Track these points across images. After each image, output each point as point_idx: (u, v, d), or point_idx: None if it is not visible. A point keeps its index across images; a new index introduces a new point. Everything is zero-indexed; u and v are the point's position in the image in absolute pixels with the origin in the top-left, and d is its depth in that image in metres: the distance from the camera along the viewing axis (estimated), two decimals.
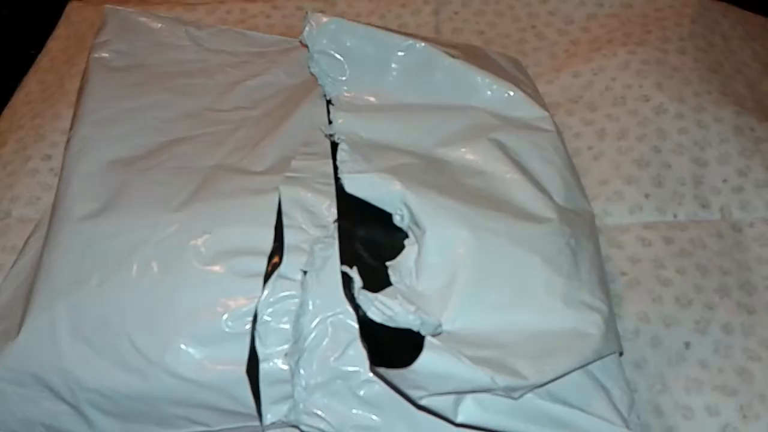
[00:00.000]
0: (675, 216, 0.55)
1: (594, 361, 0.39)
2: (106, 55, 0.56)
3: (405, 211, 0.42)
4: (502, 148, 0.48)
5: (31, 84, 0.68)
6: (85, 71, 0.56)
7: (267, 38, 0.61)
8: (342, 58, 0.51)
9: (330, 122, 0.49)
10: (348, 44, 0.51)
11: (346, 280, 0.39)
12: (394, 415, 0.40)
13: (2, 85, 0.71)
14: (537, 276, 0.41)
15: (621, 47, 0.64)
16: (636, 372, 0.46)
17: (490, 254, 0.41)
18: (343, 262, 0.40)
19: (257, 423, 0.41)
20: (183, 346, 0.40)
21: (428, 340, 0.35)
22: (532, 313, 0.39)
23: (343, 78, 0.51)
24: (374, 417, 0.40)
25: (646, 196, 0.55)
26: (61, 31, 0.73)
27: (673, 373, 0.46)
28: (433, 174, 0.45)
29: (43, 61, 0.70)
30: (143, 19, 0.59)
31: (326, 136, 0.48)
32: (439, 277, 0.39)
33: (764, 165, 0.56)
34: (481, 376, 0.34)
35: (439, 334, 0.36)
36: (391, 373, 0.35)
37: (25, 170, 0.60)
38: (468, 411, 0.36)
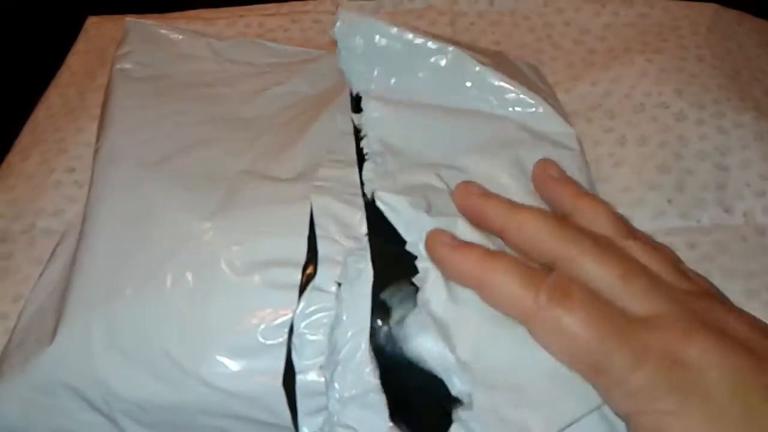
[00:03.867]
0: (698, 221, 0.55)
1: None
2: (129, 66, 0.56)
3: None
4: (523, 166, 0.47)
5: (52, 98, 0.69)
6: (108, 83, 0.56)
7: (287, 49, 0.61)
8: (371, 57, 0.50)
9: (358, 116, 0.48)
10: (378, 43, 0.50)
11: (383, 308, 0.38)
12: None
13: (23, 102, 0.71)
14: None
15: (638, 55, 0.65)
16: None
17: None
18: (376, 279, 0.39)
19: None
20: (219, 358, 0.40)
21: (456, 414, 0.34)
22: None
23: (371, 77, 0.50)
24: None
25: (669, 201, 0.55)
26: (80, 45, 0.74)
27: None
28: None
29: (64, 75, 0.71)
30: (164, 31, 0.60)
31: (355, 130, 0.47)
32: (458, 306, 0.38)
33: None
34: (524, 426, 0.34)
35: (470, 406, 0.35)
36: None
37: (48, 183, 0.60)
38: None
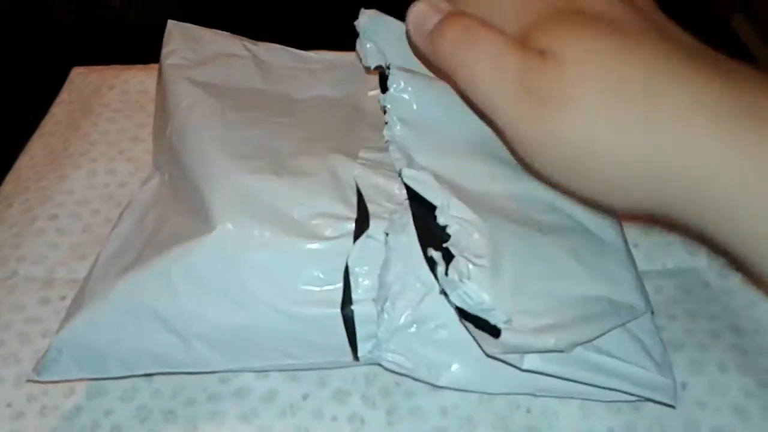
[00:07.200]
0: (664, 264, 0.57)
1: (631, 320, 0.46)
2: (178, 61, 0.59)
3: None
4: None
5: (35, 148, 0.70)
6: (160, 78, 0.59)
7: (310, 56, 0.64)
8: (390, 50, 0.54)
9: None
10: (399, 41, 0.53)
11: (430, 262, 0.44)
12: (466, 357, 0.46)
13: (6, 151, 0.72)
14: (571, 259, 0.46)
15: None
16: (635, 413, 0.47)
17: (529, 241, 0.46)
18: (420, 240, 0.45)
19: (345, 358, 0.46)
20: (289, 290, 0.45)
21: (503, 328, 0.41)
22: (573, 285, 0.45)
23: (389, 52, 0.54)
24: (447, 357, 0.46)
25: (635, 245, 0.57)
26: (64, 96, 0.75)
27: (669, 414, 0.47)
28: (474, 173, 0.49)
29: (48, 125, 0.72)
30: (202, 32, 0.63)
31: (381, 107, 0.52)
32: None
33: None
34: (547, 342, 0.41)
35: (508, 324, 0.41)
36: (476, 333, 0.42)
37: (31, 230, 0.61)
38: (531, 361, 0.43)
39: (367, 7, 0.55)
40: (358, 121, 0.56)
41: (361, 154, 0.52)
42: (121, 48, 0.83)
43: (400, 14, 0.53)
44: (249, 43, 0.63)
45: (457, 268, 0.42)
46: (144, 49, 0.71)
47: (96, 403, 0.48)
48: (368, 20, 0.54)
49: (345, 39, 0.56)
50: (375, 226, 0.46)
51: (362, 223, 0.46)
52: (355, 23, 0.54)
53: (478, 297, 0.41)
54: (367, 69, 0.55)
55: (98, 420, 0.47)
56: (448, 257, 0.43)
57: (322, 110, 0.58)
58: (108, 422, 0.47)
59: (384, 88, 0.52)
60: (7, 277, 0.57)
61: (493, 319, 0.41)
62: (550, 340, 0.41)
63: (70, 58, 0.81)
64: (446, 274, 0.43)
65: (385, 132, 0.51)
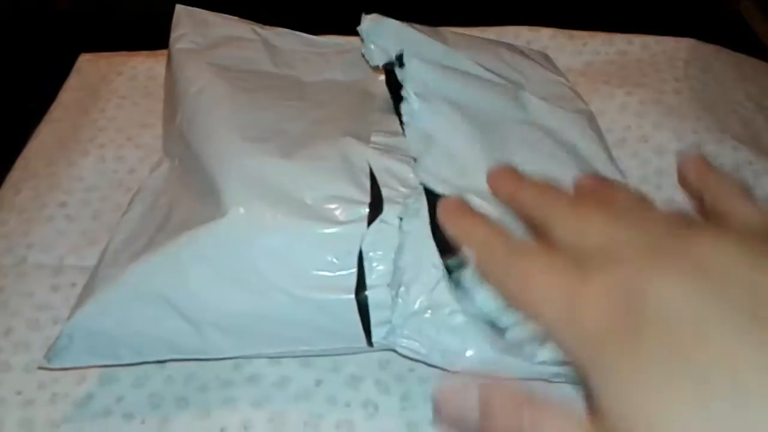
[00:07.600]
0: None
1: None
2: (187, 46, 0.59)
3: None
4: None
5: (44, 134, 0.69)
6: (169, 63, 0.58)
7: (319, 40, 0.64)
8: (395, 50, 0.55)
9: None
10: (400, 40, 0.54)
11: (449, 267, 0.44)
12: (481, 343, 0.45)
13: (14, 137, 0.72)
14: None
15: (618, 89, 0.67)
16: None
17: None
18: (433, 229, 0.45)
19: (359, 344, 0.45)
20: (302, 274, 0.44)
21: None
22: None
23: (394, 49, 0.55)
24: (462, 343, 0.45)
25: None
26: (72, 83, 0.75)
27: None
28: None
29: (56, 111, 0.72)
30: (210, 17, 0.63)
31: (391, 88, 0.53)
32: None
33: (763, 198, 0.57)
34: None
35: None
36: (489, 330, 0.42)
37: (40, 217, 0.60)
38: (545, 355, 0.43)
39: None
40: (368, 105, 0.56)
41: (373, 138, 0.51)
42: (122, 35, 0.82)
43: (400, 15, 0.55)
44: (258, 27, 0.63)
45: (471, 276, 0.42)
46: (146, 35, 0.71)
47: (108, 390, 0.48)
48: (370, 24, 0.54)
49: (351, 24, 0.56)
50: (389, 211, 0.45)
51: (376, 207, 0.45)
52: (358, 28, 0.54)
53: (488, 305, 0.41)
54: (374, 68, 0.56)
55: (110, 407, 0.47)
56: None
57: (332, 94, 0.57)
58: (120, 409, 0.47)
59: (390, 83, 0.53)
60: (17, 264, 0.57)
61: (502, 323, 0.41)
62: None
63: (70, 45, 0.80)
64: (451, 276, 0.43)
65: (402, 108, 0.51)
